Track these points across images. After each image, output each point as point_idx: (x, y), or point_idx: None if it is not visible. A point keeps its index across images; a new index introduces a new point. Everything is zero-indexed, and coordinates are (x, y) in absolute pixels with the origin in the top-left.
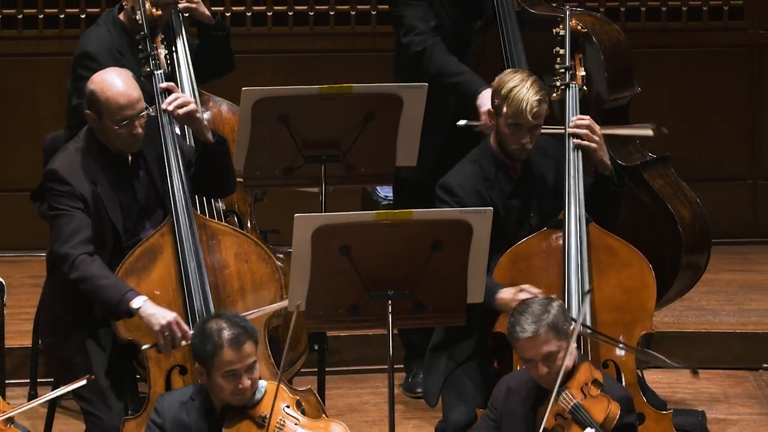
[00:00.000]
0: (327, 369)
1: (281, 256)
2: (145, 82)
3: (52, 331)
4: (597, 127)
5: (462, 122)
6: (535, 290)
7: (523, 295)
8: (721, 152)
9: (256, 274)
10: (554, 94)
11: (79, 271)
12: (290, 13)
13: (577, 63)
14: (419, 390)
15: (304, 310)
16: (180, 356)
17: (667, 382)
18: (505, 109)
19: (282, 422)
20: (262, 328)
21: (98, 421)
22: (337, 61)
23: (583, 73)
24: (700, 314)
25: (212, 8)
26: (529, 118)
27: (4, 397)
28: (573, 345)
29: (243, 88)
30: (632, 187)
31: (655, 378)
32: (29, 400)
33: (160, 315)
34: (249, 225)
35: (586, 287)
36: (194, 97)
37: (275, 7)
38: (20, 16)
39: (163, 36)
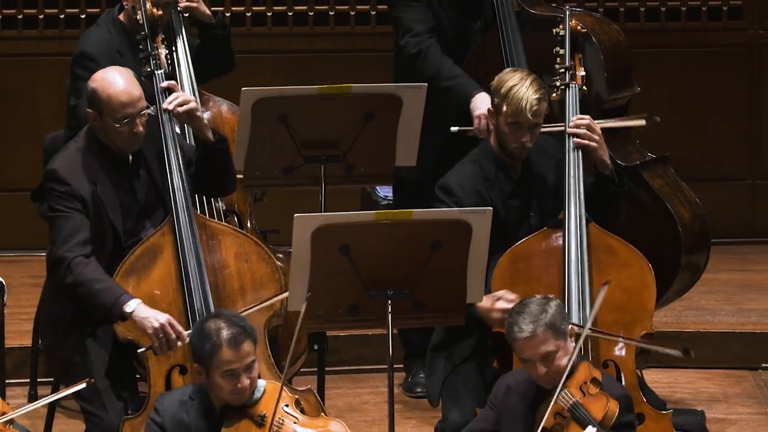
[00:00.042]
0: (327, 369)
1: (281, 255)
2: (145, 81)
3: (52, 331)
4: (597, 127)
5: (455, 128)
6: (512, 296)
7: (500, 304)
8: (721, 152)
9: (256, 273)
10: (554, 94)
11: (74, 275)
12: (290, 14)
13: (577, 63)
14: (419, 390)
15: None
16: (180, 356)
17: (667, 381)
18: (504, 108)
19: (281, 421)
20: (261, 328)
21: (98, 421)
22: (336, 61)
23: (583, 73)
24: (699, 314)
25: (212, 8)
26: (529, 116)
27: (4, 397)
28: (572, 344)
29: (242, 88)
30: (632, 187)
31: (654, 378)
32: (29, 399)
33: (152, 317)
34: (249, 225)
35: (586, 287)
36: (194, 96)
37: (275, 8)
38: (20, 17)
39: (163, 36)
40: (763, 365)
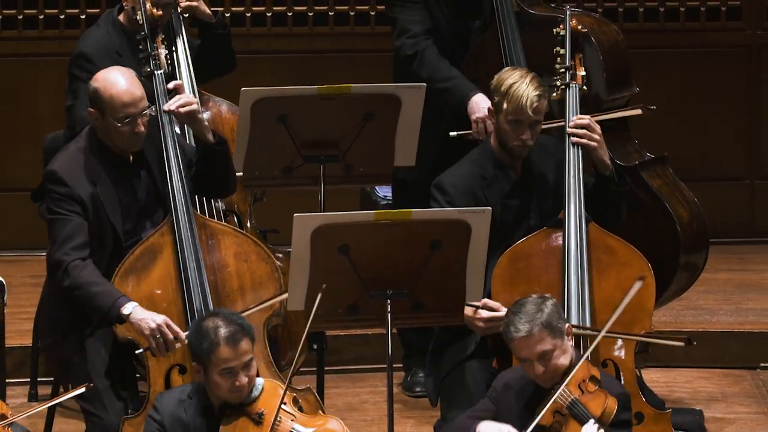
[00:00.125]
0: (326, 368)
1: (280, 255)
2: (145, 82)
3: (52, 331)
4: (597, 127)
5: (454, 133)
6: (494, 304)
7: (483, 313)
8: (719, 152)
9: (255, 273)
10: (554, 94)
11: (71, 278)
12: (290, 14)
13: (577, 63)
14: (418, 389)
15: (303, 309)
16: (179, 355)
17: (665, 381)
18: (505, 106)
19: (279, 418)
20: (261, 327)
21: (98, 421)
22: (336, 62)
23: (583, 73)
24: (698, 314)
25: (212, 8)
26: (530, 113)
27: (4, 397)
28: (570, 343)
29: (242, 89)
30: (631, 187)
31: (653, 377)
32: (29, 399)
33: (149, 319)
34: (248, 225)
35: (586, 287)
36: (194, 97)
37: (275, 8)
38: (20, 17)
39: (163, 36)
40: (762, 365)
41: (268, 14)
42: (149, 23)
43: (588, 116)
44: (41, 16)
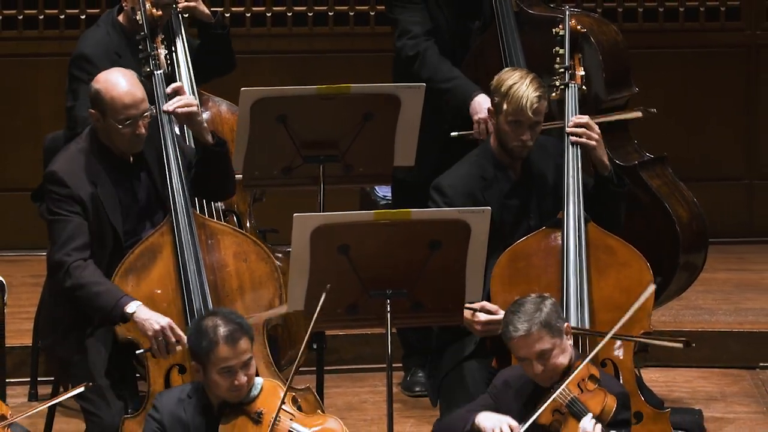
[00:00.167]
0: (326, 368)
1: (280, 255)
2: (145, 82)
3: (52, 330)
4: (596, 127)
5: (455, 134)
6: (492, 307)
7: (480, 316)
8: (718, 152)
9: (255, 273)
10: (554, 94)
11: (73, 278)
12: (289, 14)
13: (576, 63)
14: (417, 389)
15: (303, 309)
16: (179, 355)
17: (665, 380)
18: (505, 107)
19: (278, 418)
20: (260, 327)
21: (98, 420)
22: (335, 62)
23: (583, 73)
24: (697, 313)
25: (212, 8)
26: (530, 114)
27: (4, 397)
28: (569, 342)
29: (242, 89)
30: (630, 187)
31: (652, 377)
32: (29, 399)
33: (153, 320)
34: (248, 225)
35: (585, 287)
36: (194, 97)
37: (274, 8)
38: (21, 17)
39: (163, 36)
40: (761, 364)
41: (268, 14)
42: (149, 23)
43: (587, 116)
44: (41, 17)
